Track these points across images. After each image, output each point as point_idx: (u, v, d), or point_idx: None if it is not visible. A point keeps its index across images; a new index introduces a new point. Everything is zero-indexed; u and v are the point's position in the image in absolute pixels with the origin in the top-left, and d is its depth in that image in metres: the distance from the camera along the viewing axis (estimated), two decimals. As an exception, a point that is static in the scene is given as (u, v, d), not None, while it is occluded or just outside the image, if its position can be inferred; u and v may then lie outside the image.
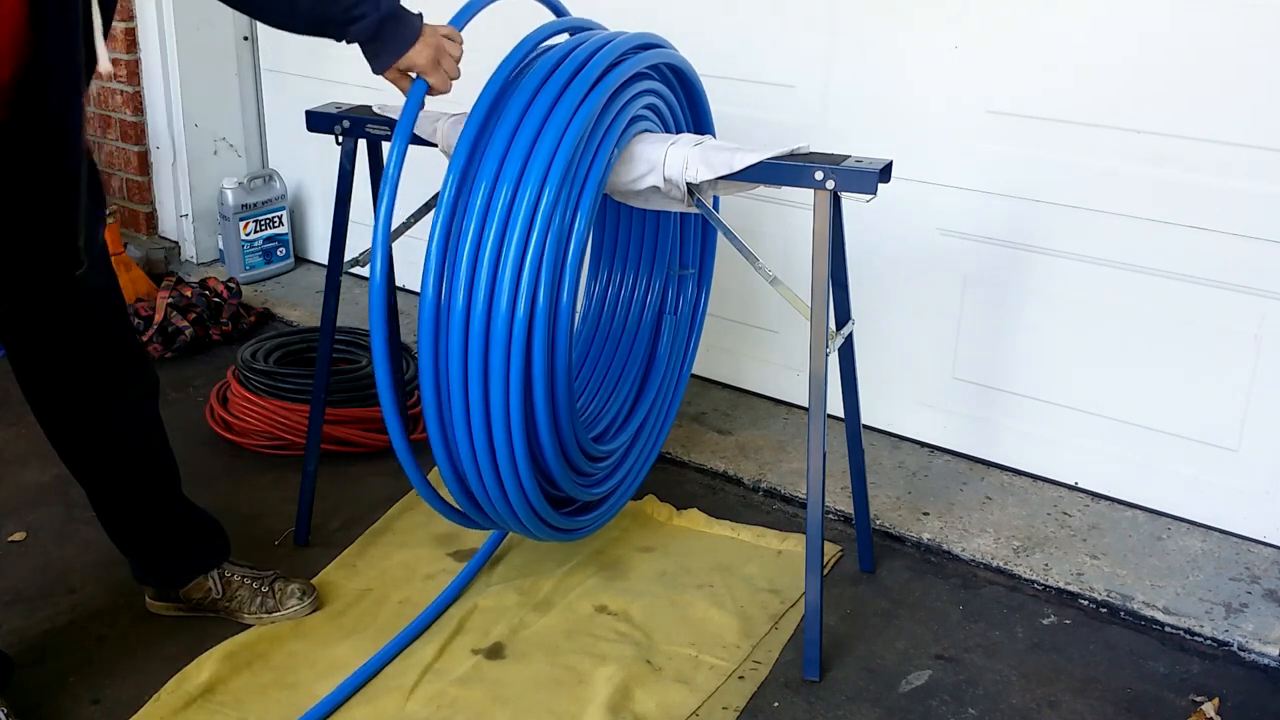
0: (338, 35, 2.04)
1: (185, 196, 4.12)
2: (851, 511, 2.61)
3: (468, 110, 2.08)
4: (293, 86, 4.02)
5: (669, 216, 2.60)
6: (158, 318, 3.54)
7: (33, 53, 1.73)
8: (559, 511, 2.30)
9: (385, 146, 2.42)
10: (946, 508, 2.75)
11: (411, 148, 2.10)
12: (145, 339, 3.48)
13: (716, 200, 2.53)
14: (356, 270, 2.43)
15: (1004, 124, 2.68)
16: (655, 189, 2.20)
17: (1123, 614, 2.42)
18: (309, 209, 4.23)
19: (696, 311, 2.70)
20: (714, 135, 2.47)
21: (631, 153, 2.17)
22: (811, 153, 2.15)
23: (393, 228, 2.35)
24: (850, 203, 2.14)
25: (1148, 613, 2.40)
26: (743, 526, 2.69)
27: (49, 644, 2.29)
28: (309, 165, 4.10)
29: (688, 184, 2.15)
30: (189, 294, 3.63)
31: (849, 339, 2.34)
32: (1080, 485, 2.81)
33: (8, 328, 2.03)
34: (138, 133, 4.11)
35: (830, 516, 2.71)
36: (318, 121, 2.40)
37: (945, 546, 2.62)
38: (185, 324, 3.55)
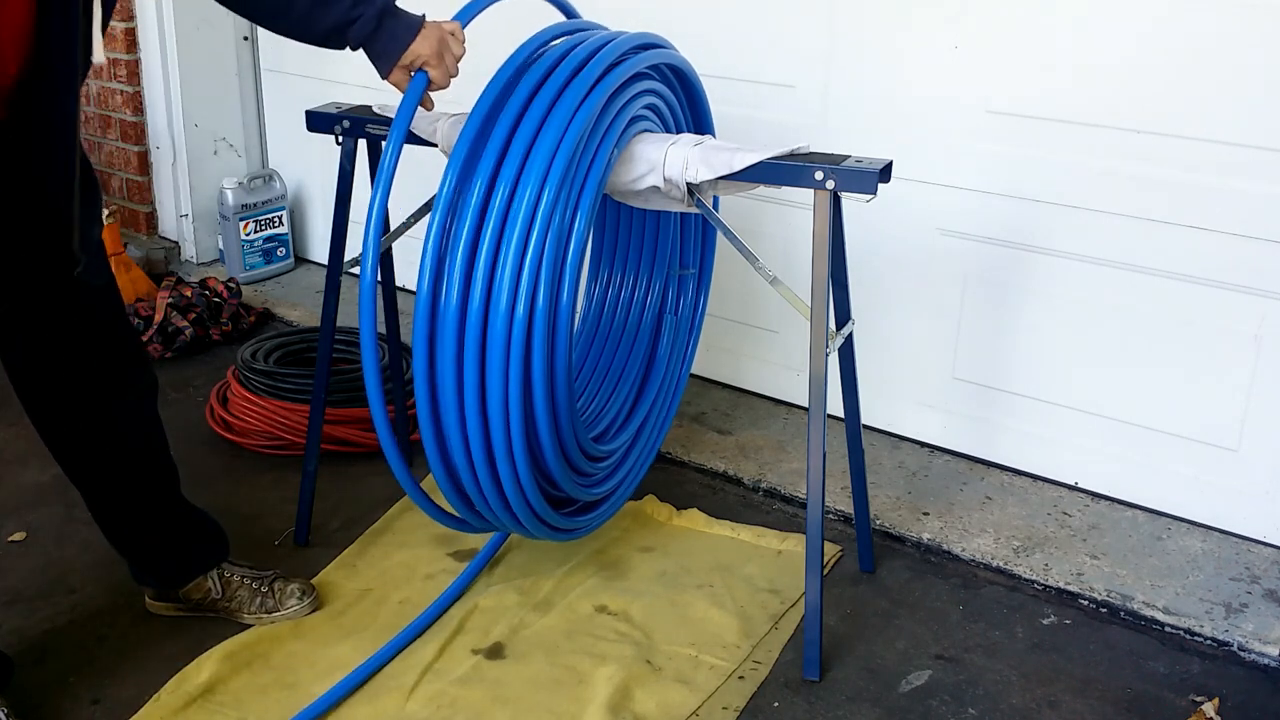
0: (340, 40, 2.04)
1: (185, 196, 4.12)
2: (851, 511, 2.61)
3: (468, 110, 2.08)
4: (293, 86, 4.02)
5: (669, 217, 2.60)
6: (158, 318, 3.54)
7: (35, 52, 1.73)
8: (559, 512, 2.30)
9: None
10: (946, 508, 2.75)
11: (411, 147, 2.11)
12: (145, 339, 3.48)
13: (716, 200, 2.53)
14: (356, 270, 2.43)
15: (1003, 124, 2.68)
16: (655, 189, 2.20)
17: (1123, 614, 2.42)
18: (309, 209, 4.23)
19: (696, 312, 2.70)
20: (714, 135, 2.47)
21: (631, 153, 2.18)
22: (811, 153, 2.15)
23: (392, 228, 2.36)
24: (850, 203, 2.14)
25: (1148, 613, 2.40)
26: (743, 526, 2.69)
27: (49, 644, 2.29)
28: (309, 165, 4.10)
29: (688, 184, 2.15)
30: (189, 294, 3.64)
31: (849, 339, 2.34)
32: (1080, 485, 2.81)
33: (6, 328, 2.03)
34: (138, 133, 4.11)
35: (830, 516, 2.71)
36: (318, 121, 2.40)
37: (945, 546, 2.62)
38: (185, 324, 3.55)
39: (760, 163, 2.10)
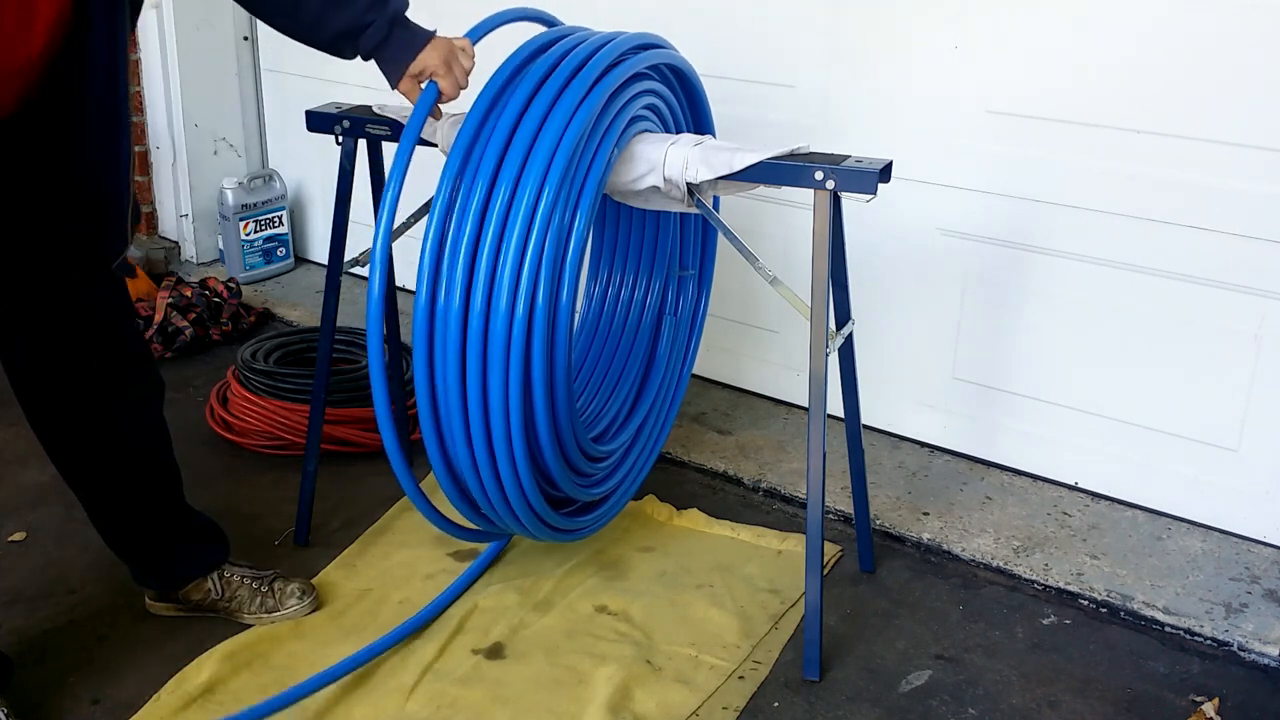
0: (351, 45, 2.04)
1: (185, 196, 4.12)
2: (851, 511, 2.61)
3: (464, 112, 2.09)
4: (293, 86, 4.02)
5: (669, 217, 2.60)
6: (158, 318, 3.54)
7: (76, 26, 1.76)
8: (559, 512, 2.30)
9: (385, 146, 2.43)
10: (946, 508, 2.75)
11: (414, 148, 2.11)
12: (145, 339, 3.47)
13: (716, 200, 2.53)
14: (356, 270, 2.43)
15: (1004, 124, 2.68)
16: (655, 189, 2.20)
17: (1123, 614, 2.42)
18: (309, 209, 4.24)
19: (697, 312, 2.70)
20: (714, 135, 2.47)
21: (631, 153, 2.18)
22: (811, 153, 2.15)
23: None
24: (850, 203, 2.14)
25: (1148, 613, 2.40)
26: (743, 526, 2.69)
27: (49, 644, 2.28)
28: (309, 165, 4.10)
29: (688, 184, 2.15)
30: (189, 294, 3.64)
31: (849, 339, 2.34)
32: (1080, 485, 2.81)
33: (6, 328, 2.03)
34: (138, 133, 4.11)
35: (830, 516, 2.71)
36: (318, 121, 2.40)
37: (945, 546, 2.62)
38: (185, 324, 3.55)
39: (760, 163, 2.11)
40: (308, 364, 3.13)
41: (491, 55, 2.16)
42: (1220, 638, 2.33)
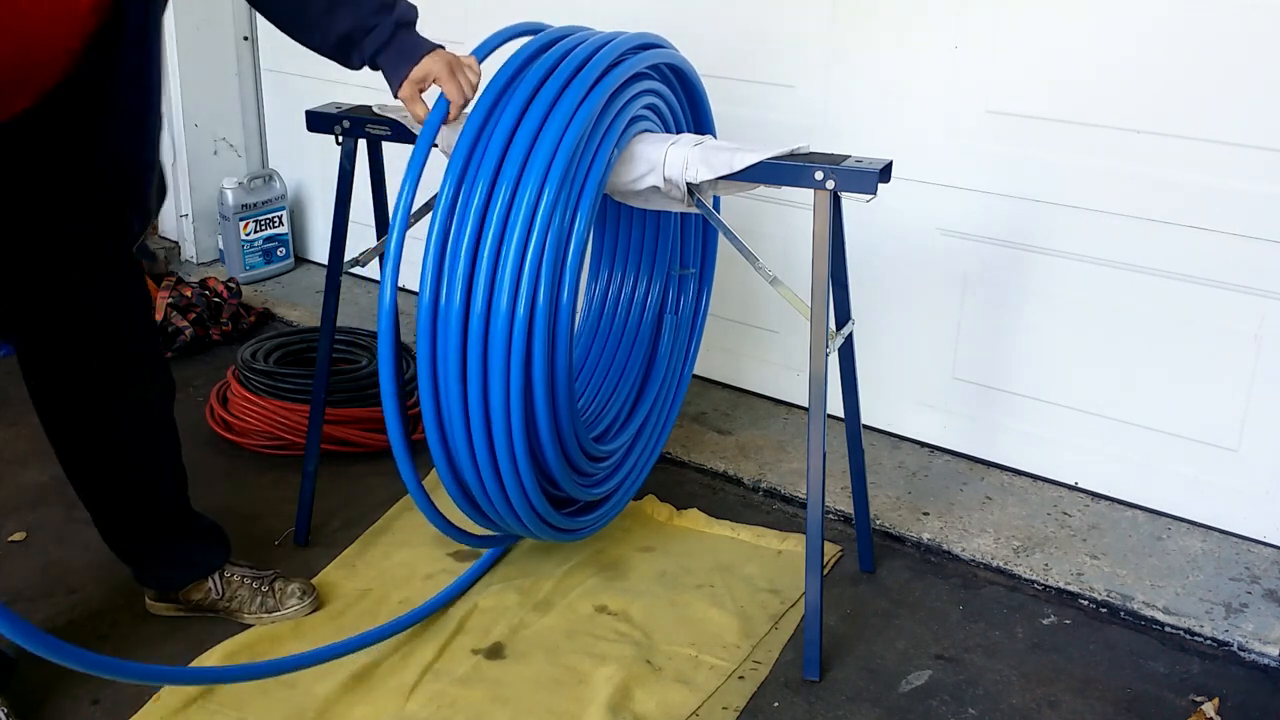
0: (356, 48, 2.04)
1: (185, 196, 4.12)
2: (851, 511, 2.61)
3: (468, 111, 2.09)
4: (293, 86, 4.02)
5: (669, 217, 2.60)
6: (157, 318, 3.54)
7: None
8: (560, 512, 2.30)
9: (385, 146, 2.43)
10: (946, 508, 2.76)
11: (410, 147, 2.11)
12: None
13: (717, 200, 2.53)
14: (356, 270, 2.43)
15: (1004, 124, 2.68)
16: (655, 189, 2.20)
17: (1123, 614, 2.42)
18: (309, 209, 4.24)
19: (697, 312, 2.70)
20: (714, 135, 2.47)
21: (631, 153, 2.18)
22: (811, 153, 2.15)
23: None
24: (850, 203, 2.14)
25: (1148, 613, 2.40)
26: (743, 526, 2.69)
27: (49, 644, 2.28)
28: (309, 165, 4.10)
29: (688, 184, 2.15)
30: (189, 294, 3.64)
31: (849, 339, 2.34)
32: (1080, 485, 2.81)
33: (15, 324, 2.03)
34: (138, 133, 4.10)
35: (830, 516, 2.71)
36: (318, 121, 2.40)
37: (945, 546, 2.62)
38: (185, 324, 3.55)
39: (760, 163, 2.11)
40: (308, 364, 3.13)
41: (492, 56, 2.16)
42: (1220, 638, 2.33)
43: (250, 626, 2.32)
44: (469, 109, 2.09)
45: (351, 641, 2.21)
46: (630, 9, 2.87)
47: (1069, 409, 2.78)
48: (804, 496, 2.47)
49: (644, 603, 2.42)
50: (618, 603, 2.42)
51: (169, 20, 3.88)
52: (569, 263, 2.05)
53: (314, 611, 2.37)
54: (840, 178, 2.07)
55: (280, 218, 4.10)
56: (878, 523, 2.69)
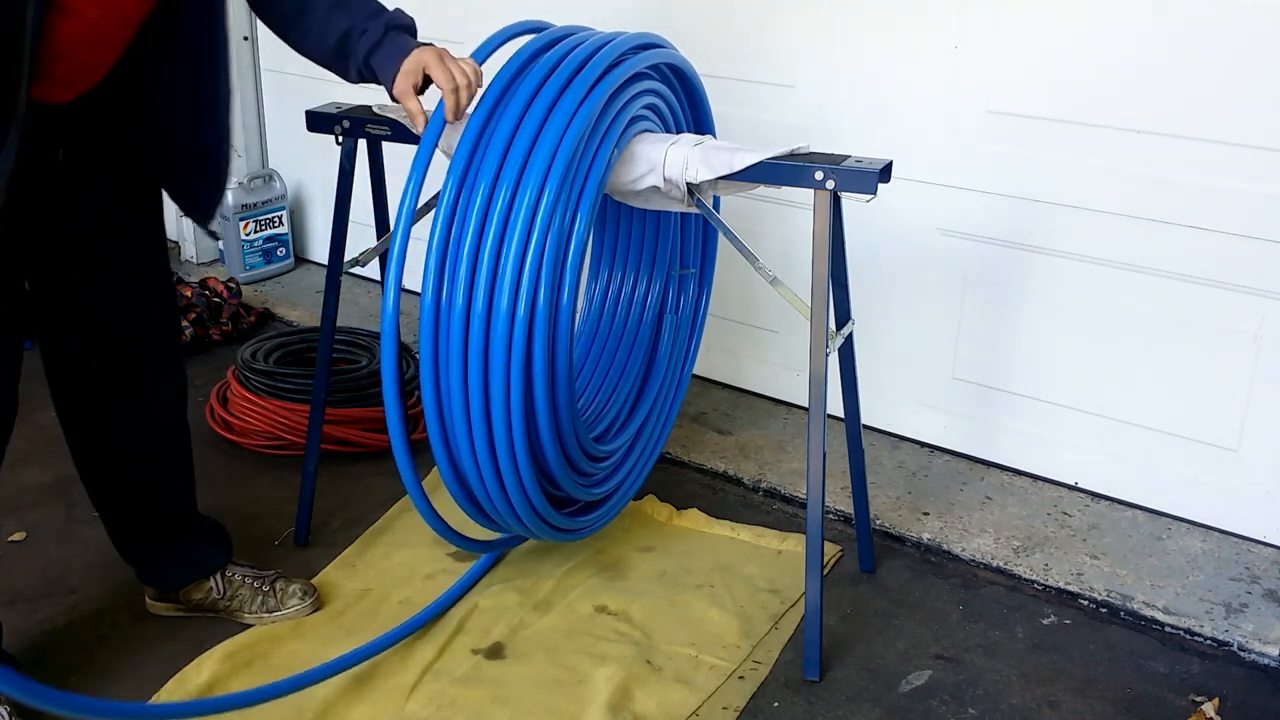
0: (350, 50, 2.05)
1: (185, 196, 4.11)
2: (851, 511, 2.61)
3: (468, 112, 2.08)
4: (293, 86, 4.02)
5: (669, 217, 2.60)
6: (158, 318, 3.54)
7: None
8: (560, 512, 2.30)
9: (385, 146, 2.43)
10: (946, 508, 2.76)
11: (409, 148, 2.10)
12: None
13: (717, 200, 2.53)
14: (356, 270, 2.43)
15: (1004, 124, 2.68)
16: (655, 189, 2.20)
17: (1123, 614, 2.42)
18: (309, 209, 4.24)
19: (697, 311, 2.70)
20: (714, 135, 2.47)
21: (631, 153, 2.18)
22: (811, 153, 2.15)
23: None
24: (850, 203, 2.14)
25: (1148, 613, 2.40)
26: (743, 526, 2.69)
27: (49, 644, 2.28)
28: (309, 165, 4.10)
29: (688, 184, 2.15)
30: (189, 294, 3.64)
31: (849, 339, 2.34)
32: (1080, 485, 2.81)
33: (25, 322, 2.03)
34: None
35: (830, 516, 2.71)
36: (318, 121, 2.40)
37: (945, 546, 2.62)
38: (185, 324, 3.55)
39: (760, 163, 2.10)
40: (308, 364, 3.13)
41: (493, 57, 2.16)
42: (1220, 638, 2.33)
43: (250, 626, 2.32)
44: (471, 108, 2.08)
45: (360, 652, 2.20)
46: (630, 9, 2.87)
47: (1069, 409, 2.78)
48: (804, 496, 2.47)
49: (644, 603, 2.42)
50: (618, 603, 2.42)
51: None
52: (569, 263, 2.05)
53: (314, 612, 2.36)
54: (840, 178, 2.07)
55: (280, 218, 4.10)
56: (878, 523, 2.69)
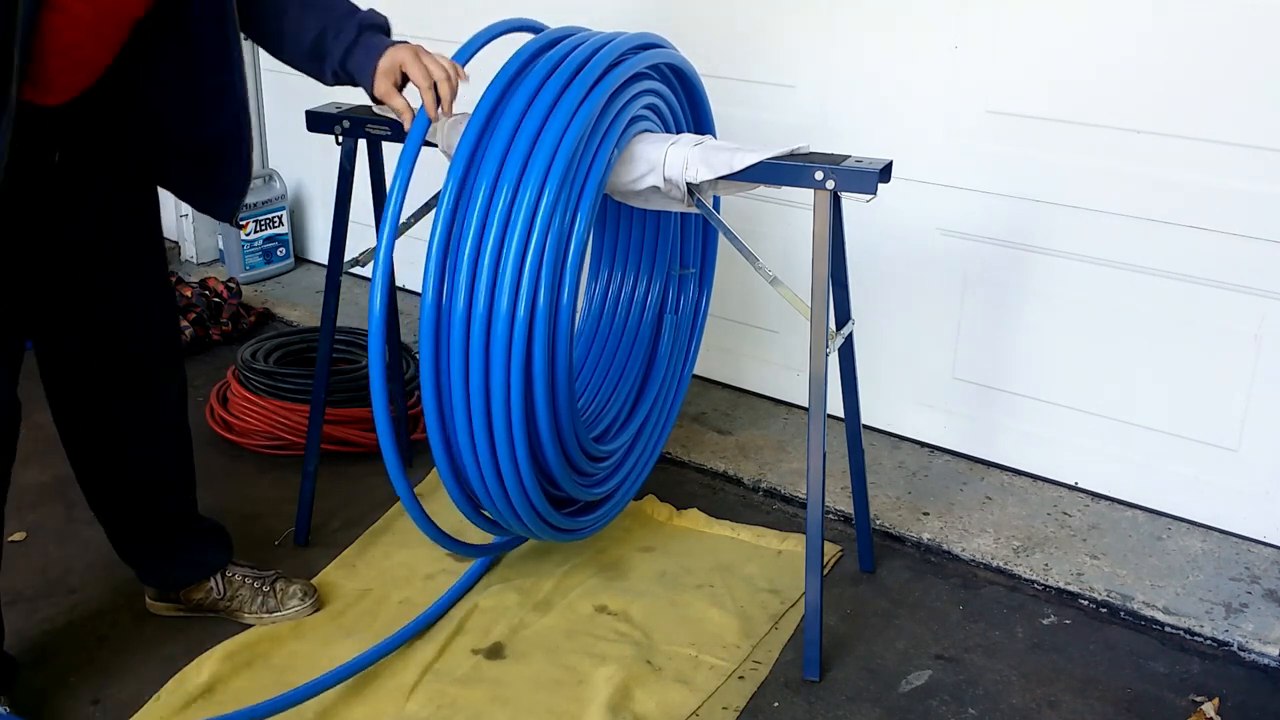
0: (328, 57, 2.05)
1: (185, 196, 4.11)
2: (851, 511, 2.61)
3: (468, 112, 2.09)
4: (293, 86, 3.99)
5: (669, 217, 2.60)
6: (158, 318, 3.54)
7: None
8: (560, 512, 2.30)
9: (386, 146, 2.43)
10: (946, 508, 2.76)
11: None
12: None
13: (717, 200, 2.53)
14: (356, 270, 2.43)
15: (1004, 124, 2.68)
16: (655, 189, 2.20)
17: (1123, 614, 2.42)
18: (309, 209, 4.24)
19: (698, 311, 2.70)
20: (714, 135, 2.47)
21: (631, 153, 2.18)
22: (811, 153, 2.15)
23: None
24: (850, 203, 2.14)
25: (1148, 613, 2.40)
26: (743, 526, 2.69)
27: (49, 644, 2.29)
28: (309, 165, 4.10)
29: (688, 184, 2.15)
30: (189, 294, 3.64)
31: (849, 339, 2.34)
32: (1080, 485, 2.81)
33: (21, 322, 2.03)
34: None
35: (830, 516, 2.71)
36: (318, 121, 2.41)
37: (945, 546, 2.62)
38: (185, 324, 3.55)
39: (760, 163, 2.11)
40: (308, 364, 3.13)
41: (493, 58, 2.16)
42: (1220, 638, 2.33)
43: (250, 626, 2.32)
44: (456, 103, 2.08)
45: (362, 659, 2.19)
46: (630, 9, 2.87)
47: (1069, 409, 2.78)
48: (804, 496, 2.47)
49: (644, 603, 2.42)
50: (618, 603, 2.42)
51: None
52: (569, 263, 2.05)
53: (315, 612, 2.36)
54: (840, 178, 2.07)
55: (280, 218, 4.10)
56: (878, 523, 2.69)
